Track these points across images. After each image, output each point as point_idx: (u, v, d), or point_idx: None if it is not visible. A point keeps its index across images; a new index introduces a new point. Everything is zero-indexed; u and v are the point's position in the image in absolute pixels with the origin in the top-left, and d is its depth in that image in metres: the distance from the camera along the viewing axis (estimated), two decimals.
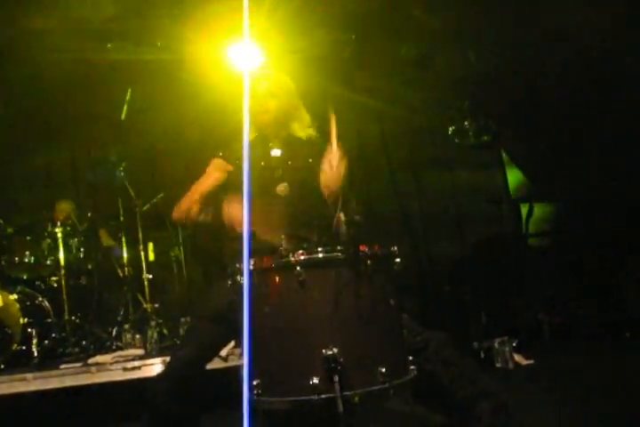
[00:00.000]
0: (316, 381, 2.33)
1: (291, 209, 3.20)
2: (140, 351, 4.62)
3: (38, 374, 4.28)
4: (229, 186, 3.31)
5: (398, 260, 2.61)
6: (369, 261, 2.49)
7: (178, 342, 4.78)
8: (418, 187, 6.83)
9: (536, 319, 5.80)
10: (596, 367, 4.53)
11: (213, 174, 3.37)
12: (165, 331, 5.03)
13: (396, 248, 2.62)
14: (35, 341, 4.76)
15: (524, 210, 6.79)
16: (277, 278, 2.51)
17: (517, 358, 4.87)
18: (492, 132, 6.66)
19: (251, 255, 2.45)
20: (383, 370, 2.37)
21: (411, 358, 2.54)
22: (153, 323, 4.87)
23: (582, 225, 6.40)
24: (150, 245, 5.56)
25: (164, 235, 5.89)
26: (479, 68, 6.55)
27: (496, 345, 4.86)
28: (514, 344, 4.92)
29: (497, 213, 6.63)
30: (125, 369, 4.28)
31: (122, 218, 5.55)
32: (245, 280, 2.08)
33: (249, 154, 2.96)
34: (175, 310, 5.44)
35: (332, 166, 3.01)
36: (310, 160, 3.29)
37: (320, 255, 2.48)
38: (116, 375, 4.27)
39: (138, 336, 4.77)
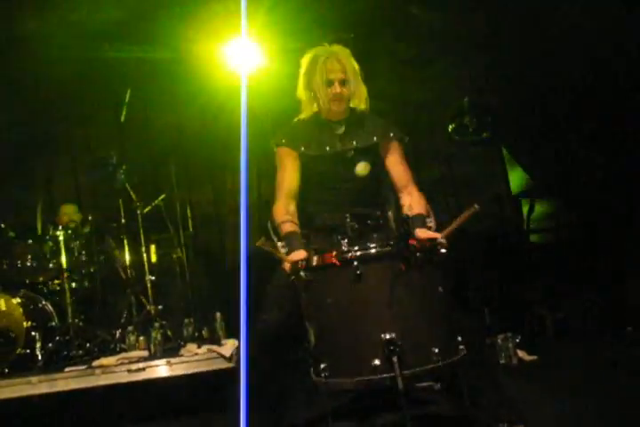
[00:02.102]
0: (377, 362, 2.66)
1: (358, 188, 3.34)
2: (145, 353, 4.62)
3: (43, 378, 4.29)
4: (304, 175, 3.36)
5: (444, 251, 2.88)
6: (418, 254, 2.77)
7: (182, 342, 4.80)
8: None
9: (539, 315, 5.81)
10: (599, 362, 4.54)
11: (288, 164, 3.35)
12: (169, 332, 5.05)
13: (443, 240, 2.90)
14: (39, 344, 4.76)
15: (526, 206, 6.80)
16: (337, 273, 2.79)
17: (521, 354, 4.88)
18: (492, 129, 6.66)
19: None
20: (436, 350, 2.70)
21: (460, 339, 2.85)
22: (157, 324, 4.87)
23: (583, 221, 6.41)
24: (152, 247, 5.56)
25: (165, 236, 5.91)
26: (479, 66, 6.56)
27: (499, 341, 4.86)
28: (517, 340, 4.92)
29: (498, 210, 6.63)
30: (130, 371, 4.30)
31: (123, 220, 5.55)
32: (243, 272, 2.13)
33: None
34: (178, 312, 5.45)
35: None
36: (375, 139, 3.37)
37: (374, 251, 2.79)
38: (121, 377, 4.28)
39: (142, 338, 4.77)
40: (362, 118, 3.41)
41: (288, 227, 3.20)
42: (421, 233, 3.03)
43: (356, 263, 2.74)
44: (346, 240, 2.91)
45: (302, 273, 2.87)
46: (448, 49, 6.58)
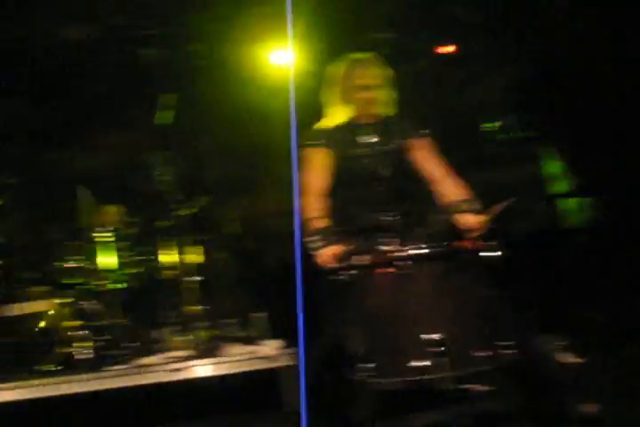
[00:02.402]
0: (425, 363, 2.69)
1: (395, 188, 3.40)
2: (186, 353, 4.67)
3: (90, 376, 4.38)
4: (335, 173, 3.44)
5: (495, 253, 2.93)
6: (464, 255, 2.86)
7: (225, 343, 4.84)
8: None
9: (585, 316, 5.73)
10: None
11: (318, 164, 3.45)
12: (212, 333, 5.08)
13: (488, 242, 2.96)
14: (84, 343, 4.84)
15: (566, 205, 6.72)
16: (382, 273, 2.86)
17: (566, 356, 4.81)
18: (536, 127, 6.60)
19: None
20: (485, 352, 2.76)
21: (509, 343, 2.87)
22: (198, 325, 4.92)
23: (626, 221, 6.31)
24: (197, 248, 5.61)
25: (210, 237, 5.96)
26: (523, 63, 6.50)
27: (544, 343, 4.81)
28: (562, 342, 4.86)
29: (538, 208, 6.56)
30: (173, 370, 4.35)
31: (167, 221, 5.61)
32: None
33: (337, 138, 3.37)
34: (220, 312, 5.48)
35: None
36: (399, 140, 3.45)
37: (420, 251, 2.85)
38: (164, 377, 4.34)
39: (183, 338, 4.83)
40: (393, 121, 3.51)
41: (320, 222, 3.24)
42: (466, 218, 3.04)
43: (402, 263, 2.79)
44: (391, 240, 2.93)
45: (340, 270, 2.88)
46: (489, 45, 6.54)
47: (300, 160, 3.35)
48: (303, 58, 6.15)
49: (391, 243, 2.92)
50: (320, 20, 6.10)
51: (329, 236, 3.15)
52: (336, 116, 3.51)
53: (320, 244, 3.10)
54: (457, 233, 3.07)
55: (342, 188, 3.42)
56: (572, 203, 6.69)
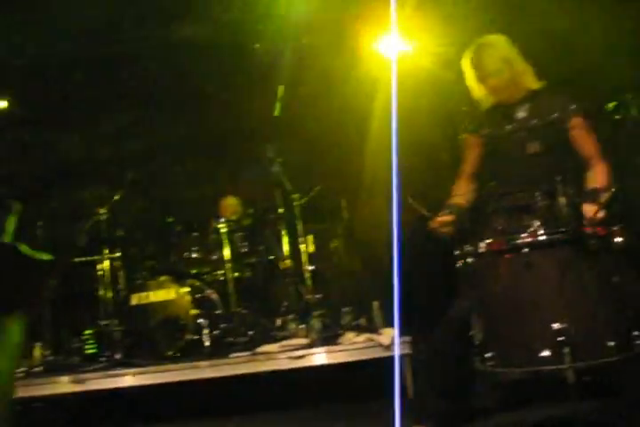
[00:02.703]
0: (547, 353, 2.57)
1: (545, 167, 3.29)
2: (305, 341, 4.72)
3: (210, 363, 4.50)
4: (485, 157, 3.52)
5: (620, 239, 2.73)
6: (592, 241, 2.67)
7: (340, 331, 4.87)
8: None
9: None
10: None
11: (469, 148, 3.58)
12: (328, 321, 5.13)
13: (617, 228, 2.76)
14: (205, 331, 4.99)
15: None
16: (506, 260, 2.76)
17: None
18: None
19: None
20: (611, 344, 2.58)
21: (636, 333, 2.68)
22: (316, 313, 4.97)
23: None
24: (310, 238, 5.67)
25: (322, 227, 6.01)
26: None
27: None
28: None
29: None
30: (291, 358, 4.42)
31: (281, 211, 5.69)
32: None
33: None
34: (336, 301, 5.53)
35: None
36: (554, 115, 3.35)
37: (544, 237, 2.70)
38: (283, 364, 4.41)
39: (302, 326, 4.88)
40: (538, 97, 3.42)
41: (455, 199, 3.42)
42: (586, 208, 2.95)
43: (526, 250, 2.68)
44: (537, 221, 2.83)
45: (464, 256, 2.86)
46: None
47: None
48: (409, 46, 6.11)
49: (522, 227, 2.82)
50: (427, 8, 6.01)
51: (451, 207, 3.32)
52: (483, 100, 3.53)
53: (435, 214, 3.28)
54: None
55: (493, 167, 3.46)
56: None
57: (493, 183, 3.37)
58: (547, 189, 3.00)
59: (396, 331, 2.71)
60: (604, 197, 2.98)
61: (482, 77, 3.41)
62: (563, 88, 3.52)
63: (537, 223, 2.78)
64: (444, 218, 3.26)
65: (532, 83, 3.43)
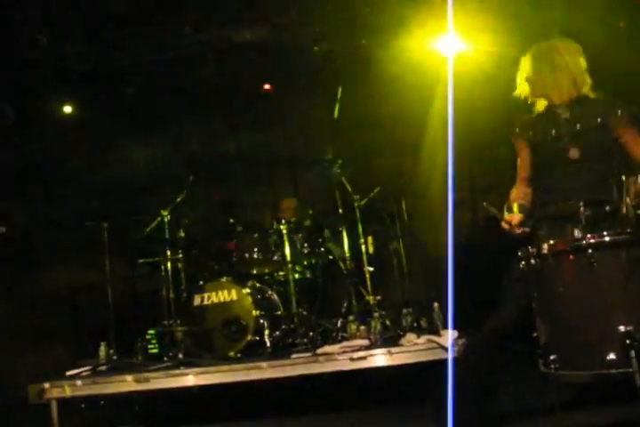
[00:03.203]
0: (613, 356, 2.55)
1: (587, 174, 3.28)
2: (366, 342, 4.70)
3: (271, 363, 4.52)
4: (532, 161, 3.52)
5: None
6: None
7: (401, 332, 4.85)
8: None
9: None
10: None
11: (521, 152, 3.57)
12: (388, 322, 5.11)
13: None
14: (267, 332, 5.03)
15: None
16: (569, 261, 2.74)
17: None
18: None
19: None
20: None
21: None
22: (376, 314, 4.96)
23: None
24: (370, 239, 5.66)
25: (382, 228, 5.99)
26: None
27: None
28: None
29: None
30: (352, 359, 4.40)
31: (341, 212, 5.70)
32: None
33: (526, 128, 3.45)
34: (396, 302, 5.51)
35: None
36: (599, 119, 3.31)
37: (609, 238, 2.67)
38: (344, 365, 4.40)
39: (362, 327, 4.86)
40: (586, 101, 3.38)
41: (518, 201, 3.42)
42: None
43: (590, 251, 2.64)
44: (579, 229, 2.82)
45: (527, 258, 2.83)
46: None
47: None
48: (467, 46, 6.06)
49: (580, 232, 2.80)
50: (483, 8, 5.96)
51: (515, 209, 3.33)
52: (536, 104, 3.54)
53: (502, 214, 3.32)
54: None
55: (536, 173, 3.47)
56: None
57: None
58: (589, 199, 2.99)
59: (449, 333, 2.72)
60: None
61: (538, 71, 3.40)
62: (611, 96, 3.46)
63: (579, 234, 2.75)
64: (516, 218, 3.29)
65: (583, 87, 3.41)
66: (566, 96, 3.40)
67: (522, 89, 3.53)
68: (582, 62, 3.41)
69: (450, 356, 2.18)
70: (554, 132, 3.37)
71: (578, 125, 3.33)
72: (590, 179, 3.27)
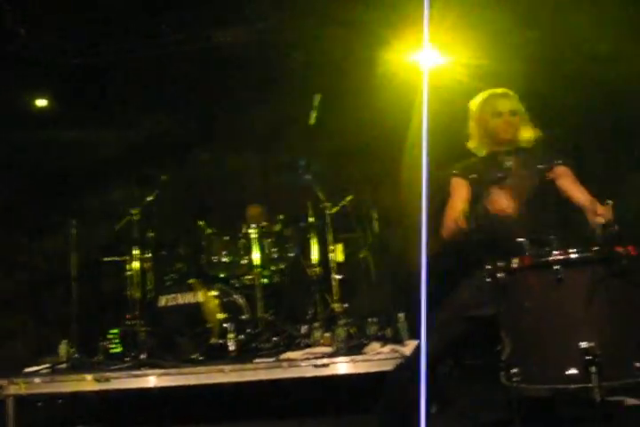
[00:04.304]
0: (573, 371, 2.56)
1: (530, 216, 3.37)
2: (329, 349, 4.71)
3: (234, 367, 4.50)
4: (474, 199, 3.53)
5: None
6: (624, 261, 2.67)
7: (365, 341, 4.86)
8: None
9: None
10: None
11: (458, 193, 3.58)
12: (353, 330, 5.12)
13: None
14: (231, 335, 4.98)
15: None
16: (537, 276, 2.77)
17: None
18: None
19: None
20: (638, 364, 2.56)
21: None
22: (341, 322, 4.97)
23: None
24: (339, 247, 5.67)
25: (352, 236, 6.01)
26: None
27: None
28: None
29: None
30: (315, 366, 4.41)
31: (311, 220, 5.70)
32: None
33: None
34: (363, 311, 5.52)
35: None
36: (540, 166, 3.48)
37: (576, 255, 2.71)
38: (307, 371, 4.40)
39: (326, 335, 4.88)
40: (529, 150, 3.56)
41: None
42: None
43: (557, 267, 2.67)
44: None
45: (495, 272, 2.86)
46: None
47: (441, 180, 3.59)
48: (443, 58, 6.12)
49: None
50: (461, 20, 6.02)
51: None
52: (478, 148, 3.65)
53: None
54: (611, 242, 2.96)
55: (479, 215, 3.41)
56: None
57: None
58: (533, 237, 3.05)
59: (422, 343, 2.72)
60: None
61: (498, 114, 3.51)
62: (549, 146, 3.63)
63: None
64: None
65: (526, 138, 3.57)
66: (511, 144, 3.54)
67: (472, 133, 3.66)
68: (525, 112, 3.57)
69: (422, 366, 2.18)
70: (499, 175, 3.37)
71: (524, 171, 3.45)
72: (534, 220, 3.37)
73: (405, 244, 6.76)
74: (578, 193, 3.45)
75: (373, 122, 6.89)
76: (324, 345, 4.83)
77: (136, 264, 5.59)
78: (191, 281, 5.26)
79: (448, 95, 5.51)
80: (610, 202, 3.03)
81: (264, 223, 5.76)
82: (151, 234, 5.70)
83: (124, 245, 5.75)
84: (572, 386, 2.56)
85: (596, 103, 6.31)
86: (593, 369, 2.50)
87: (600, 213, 3.06)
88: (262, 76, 7.15)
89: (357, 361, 4.42)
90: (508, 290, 2.82)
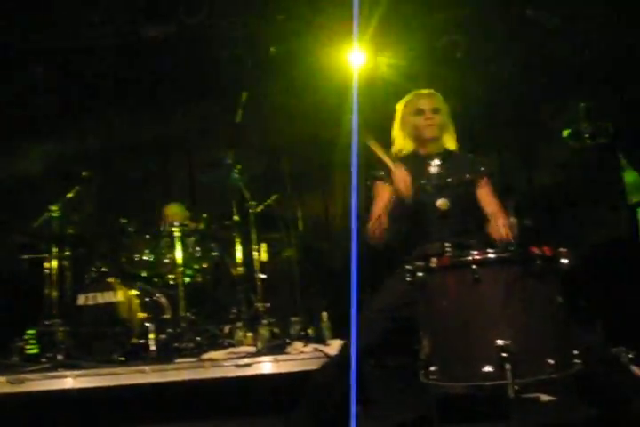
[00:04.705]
0: (489, 369, 2.62)
1: (452, 223, 3.46)
2: (252, 349, 4.71)
3: (155, 367, 4.45)
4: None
5: (566, 261, 2.81)
6: (539, 261, 2.73)
7: (288, 341, 4.86)
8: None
9: None
10: None
11: (382, 198, 3.56)
12: (276, 330, 5.12)
13: (565, 250, 2.83)
14: (152, 335, 4.91)
15: None
16: (455, 276, 2.81)
17: (635, 370, 4.69)
18: (610, 135, 6.43)
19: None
20: (551, 362, 2.63)
21: (576, 352, 2.76)
22: (264, 322, 4.96)
23: None
24: (263, 246, 5.65)
25: (277, 236, 6.00)
26: (596, 68, 6.37)
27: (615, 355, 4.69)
28: (630, 356, 4.73)
29: (614, 219, 6.39)
30: (237, 366, 4.39)
31: (236, 218, 5.66)
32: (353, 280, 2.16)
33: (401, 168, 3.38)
34: (286, 310, 5.52)
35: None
36: (467, 176, 3.55)
37: (493, 255, 2.77)
38: (229, 371, 4.38)
39: (249, 334, 4.87)
40: (454, 156, 3.63)
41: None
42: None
43: (475, 267, 2.73)
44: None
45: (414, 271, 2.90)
46: (564, 49, 6.44)
47: (365, 180, 3.63)
48: (373, 59, 6.19)
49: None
50: (391, 23, 6.10)
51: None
52: (402, 148, 3.67)
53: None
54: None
55: (405, 219, 3.50)
56: None
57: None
58: (455, 241, 3.13)
59: (353, 342, 2.75)
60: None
61: (420, 111, 3.56)
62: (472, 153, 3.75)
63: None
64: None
65: (450, 142, 3.65)
66: (441, 148, 3.62)
67: (395, 135, 3.70)
68: (450, 118, 3.64)
69: (354, 364, 2.20)
70: (424, 181, 3.51)
71: (449, 179, 3.52)
72: (457, 226, 3.47)
73: (331, 243, 6.82)
74: (490, 205, 3.54)
75: (300, 121, 6.90)
76: (246, 345, 4.82)
77: (54, 262, 5.43)
78: (111, 280, 5.15)
79: (379, 95, 5.59)
80: (513, 220, 3.17)
81: (187, 222, 5.69)
82: (71, 231, 5.56)
83: (43, 242, 5.58)
84: (488, 383, 2.61)
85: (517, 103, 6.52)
86: (508, 366, 2.56)
87: (501, 226, 3.20)
88: (190, 71, 7.07)
89: (280, 361, 4.42)
90: (427, 289, 2.87)
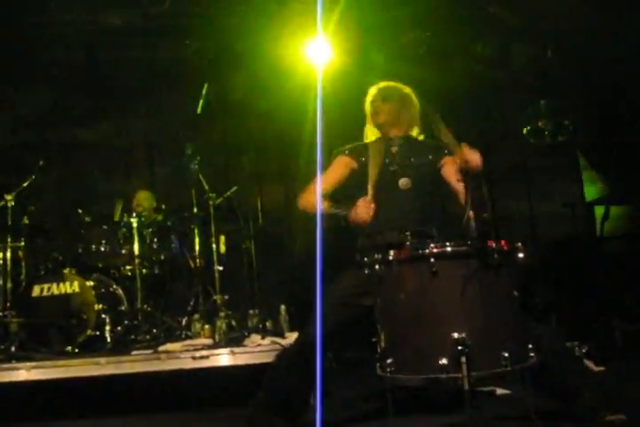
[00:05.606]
0: (444, 361, 2.65)
1: (414, 204, 3.51)
2: (209, 341, 4.69)
3: (110, 359, 4.40)
4: (355, 184, 3.62)
5: (522, 255, 2.87)
6: (495, 255, 2.77)
7: (246, 333, 4.85)
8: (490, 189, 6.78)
9: (609, 325, 5.66)
10: None
11: (338, 169, 3.68)
12: (234, 322, 5.10)
13: (520, 244, 2.89)
14: (108, 327, 4.89)
15: (599, 213, 6.64)
16: (412, 269, 2.84)
17: (588, 364, 4.77)
18: (569, 133, 6.53)
19: (377, 249, 3.05)
20: (506, 355, 2.66)
21: (531, 346, 2.81)
22: (222, 314, 4.93)
23: None
24: (222, 238, 5.63)
25: (235, 228, 5.98)
26: (556, 67, 6.46)
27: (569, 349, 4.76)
28: (584, 350, 4.81)
29: (571, 216, 6.49)
30: (194, 358, 4.37)
31: (195, 210, 5.63)
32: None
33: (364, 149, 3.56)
34: (244, 303, 5.51)
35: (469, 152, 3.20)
36: (430, 157, 3.62)
37: (450, 249, 2.79)
38: (186, 364, 4.36)
39: (207, 326, 4.84)
40: (417, 140, 3.73)
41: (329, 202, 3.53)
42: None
43: (432, 260, 2.75)
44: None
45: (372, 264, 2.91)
46: (524, 47, 6.51)
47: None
48: (336, 54, 6.19)
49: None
50: (353, 19, 6.11)
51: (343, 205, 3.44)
52: (369, 134, 3.80)
53: (343, 207, 3.41)
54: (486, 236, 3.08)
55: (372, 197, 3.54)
56: (607, 210, 6.60)
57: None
58: (416, 229, 3.28)
59: (318, 333, 2.80)
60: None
61: (371, 101, 3.69)
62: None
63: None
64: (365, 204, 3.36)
65: (411, 128, 3.74)
66: (402, 133, 3.69)
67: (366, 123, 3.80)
68: (417, 111, 3.72)
69: (319, 357, 2.22)
70: (387, 161, 3.58)
71: (411, 159, 3.59)
72: (419, 208, 3.52)
73: (290, 236, 6.81)
74: (455, 177, 3.54)
75: (263, 114, 6.89)
76: (204, 337, 4.79)
77: (8, 253, 5.34)
78: (67, 271, 5.08)
79: (341, 89, 5.59)
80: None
81: (145, 212, 5.64)
82: (26, 221, 5.46)
83: None
84: (443, 375, 2.64)
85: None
86: (463, 359, 2.59)
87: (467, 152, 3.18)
88: (152, 62, 7.01)
89: (237, 353, 4.41)
90: (385, 282, 2.89)
